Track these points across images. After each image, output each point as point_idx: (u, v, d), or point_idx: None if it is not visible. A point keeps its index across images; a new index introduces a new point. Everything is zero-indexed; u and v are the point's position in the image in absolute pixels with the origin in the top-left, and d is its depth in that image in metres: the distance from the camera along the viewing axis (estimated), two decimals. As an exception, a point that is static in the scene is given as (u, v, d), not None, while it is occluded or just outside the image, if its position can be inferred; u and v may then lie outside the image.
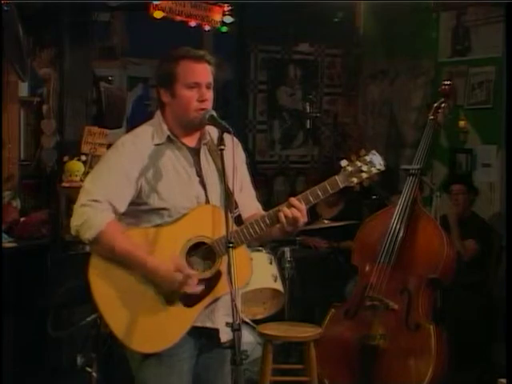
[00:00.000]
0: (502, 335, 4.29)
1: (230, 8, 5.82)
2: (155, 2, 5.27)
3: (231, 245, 2.49)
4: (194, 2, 5.57)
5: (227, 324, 2.47)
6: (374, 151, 2.77)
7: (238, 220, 2.74)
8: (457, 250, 4.92)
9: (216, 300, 2.73)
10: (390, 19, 7.18)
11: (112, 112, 5.72)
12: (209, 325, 2.75)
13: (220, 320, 2.75)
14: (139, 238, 2.68)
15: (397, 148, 7.52)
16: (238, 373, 2.46)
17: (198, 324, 2.72)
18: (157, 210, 2.70)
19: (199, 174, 2.77)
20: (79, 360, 4.41)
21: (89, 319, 3.99)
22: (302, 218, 2.70)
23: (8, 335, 4.43)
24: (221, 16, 5.80)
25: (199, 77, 2.72)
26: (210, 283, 2.69)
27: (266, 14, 7.07)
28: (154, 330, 2.66)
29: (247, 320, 4.66)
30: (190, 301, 2.67)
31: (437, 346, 4.34)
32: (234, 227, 2.63)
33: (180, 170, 2.74)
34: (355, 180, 2.74)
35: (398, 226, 4.58)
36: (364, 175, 2.74)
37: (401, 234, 4.56)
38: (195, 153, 2.79)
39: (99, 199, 2.63)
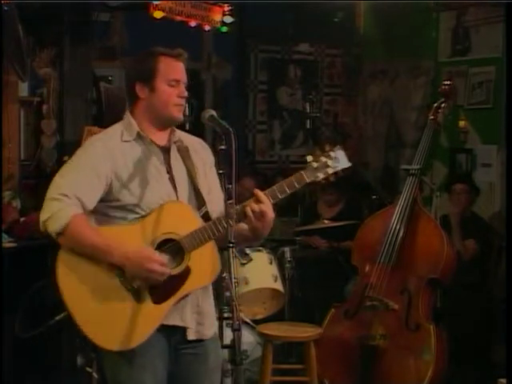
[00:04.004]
0: (501, 335, 4.29)
1: (230, 8, 5.82)
2: (155, 2, 5.27)
3: (232, 245, 2.49)
4: (194, 2, 5.57)
5: (227, 324, 2.47)
6: (338, 146, 2.78)
7: (206, 218, 2.75)
8: (457, 250, 4.92)
9: (185, 297, 2.73)
10: (389, 19, 7.18)
11: (112, 112, 5.72)
12: (178, 323, 2.75)
13: (189, 318, 2.76)
14: (107, 236, 2.69)
15: (397, 148, 7.53)
16: (238, 373, 2.46)
17: (169, 322, 2.72)
18: (128, 206, 2.70)
19: (169, 171, 2.79)
20: (79, 360, 4.41)
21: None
22: (270, 213, 2.68)
23: (8, 335, 4.43)
24: (221, 16, 5.80)
25: (179, 74, 2.77)
26: (179, 280, 2.68)
27: (265, 14, 7.09)
28: (123, 327, 2.64)
29: (247, 320, 4.66)
30: (159, 298, 2.66)
31: (437, 346, 4.34)
32: (201, 223, 2.69)
33: (150, 167, 2.75)
34: (321, 175, 2.73)
35: (397, 226, 4.58)
36: (330, 170, 2.73)
37: (401, 234, 4.56)
38: (165, 151, 2.80)
39: (67, 194, 2.64)
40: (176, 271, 2.68)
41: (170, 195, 2.75)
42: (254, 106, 7.85)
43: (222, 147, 2.59)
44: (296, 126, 7.88)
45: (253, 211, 2.67)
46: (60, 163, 5.09)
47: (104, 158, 2.70)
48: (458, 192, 5.64)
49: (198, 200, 2.78)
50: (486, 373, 5.02)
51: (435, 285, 4.54)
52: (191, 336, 2.77)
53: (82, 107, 5.36)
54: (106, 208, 2.73)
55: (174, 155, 2.82)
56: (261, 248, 4.85)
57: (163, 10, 5.32)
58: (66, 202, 2.64)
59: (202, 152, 2.89)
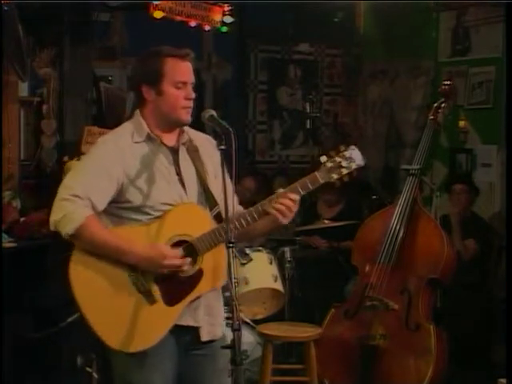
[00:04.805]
0: (501, 335, 4.29)
1: (230, 8, 5.83)
2: (155, 2, 5.27)
3: (232, 245, 2.49)
4: (194, 2, 5.58)
5: (227, 324, 2.47)
6: (353, 146, 2.76)
7: (218, 218, 2.74)
8: (457, 250, 4.92)
9: (198, 298, 2.73)
10: (389, 19, 7.18)
11: (112, 112, 5.73)
12: (191, 323, 2.75)
13: (202, 319, 2.76)
14: (119, 236, 2.69)
15: (397, 148, 7.53)
16: (238, 373, 2.46)
17: (182, 323, 2.72)
18: (139, 208, 2.70)
19: (178, 172, 2.78)
20: (79, 360, 4.41)
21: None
22: (294, 206, 2.69)
23: (8, 335, 4.43)
24: (221, 16, 5.80)
25: (186, 76, 2.76)
26: (192, 282, 2.69)
27: (265, 14, 7.09)
28: (136, 329, 2.65)
29: (247, 320, 4.66)
30: (171, 300, 2.67)
31: (437, 345, 4.34)
32: (213, 225, 2.69)
33: (160, 168, 2.74)
34: (335, 176, 2.73)
35: (397, 226, 4.58)
36: (344, 171, 2.73)
37: (401, 234, 4.56)
38: (174, 152, 2.80)
39: (79, 194, 2.63)
40: (189, 273, 2.69)
41: (181, 196, 2.75)
42: (254, 106, 7.85)
43: (222, 147, 2.60)
44: (296, 126, 7.88)
45: (285, 205, 2.66)
46: (60, 163, 5.09)
47: (115, 159, 2.69)
48: (457, 192, 5.64)
49: (209, 201, 2.77)
50: (486, 373, 5.01)
51: (435, 285, 4.54)
52: (205, 337, 2.77)
53: (81, 107, 5.37)
54: (117, 209, 2.73)
55: (183, 156, 2.81)
56: (261, 248, 4.86)
57: (163, 10, 5.33)
58: (78, 203, 2.63)
59: (211, 150, 2.85)
